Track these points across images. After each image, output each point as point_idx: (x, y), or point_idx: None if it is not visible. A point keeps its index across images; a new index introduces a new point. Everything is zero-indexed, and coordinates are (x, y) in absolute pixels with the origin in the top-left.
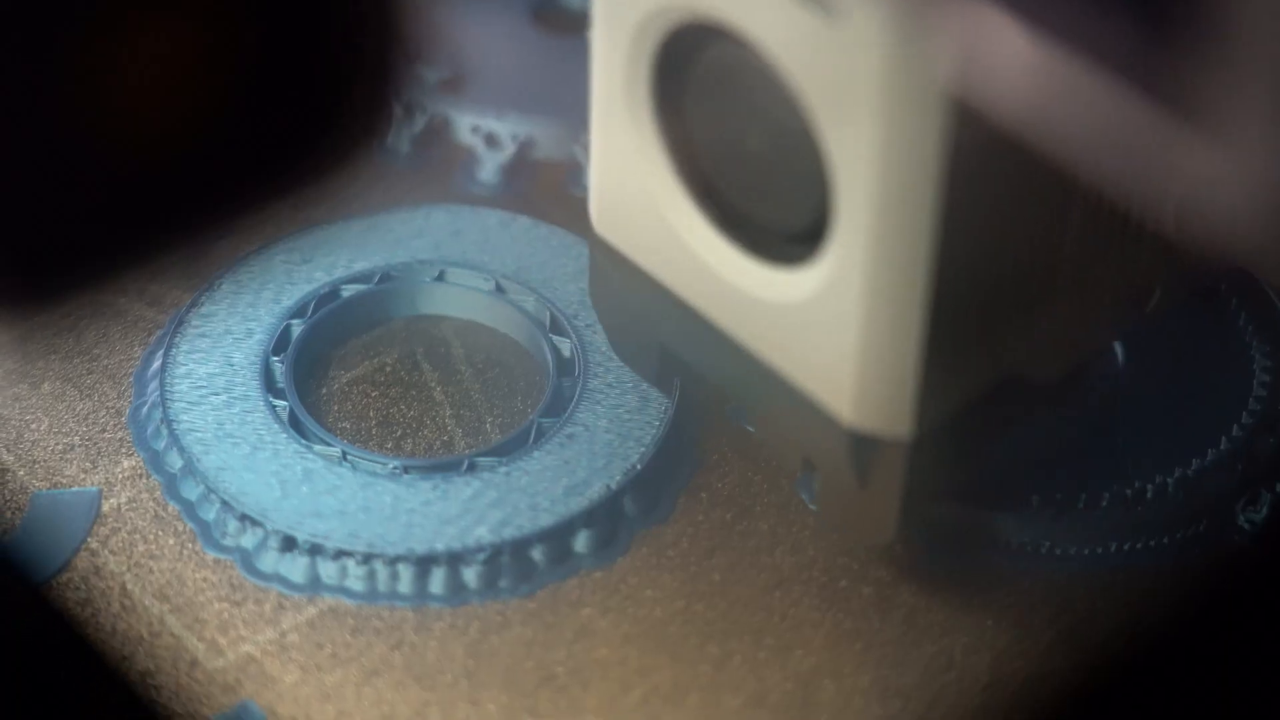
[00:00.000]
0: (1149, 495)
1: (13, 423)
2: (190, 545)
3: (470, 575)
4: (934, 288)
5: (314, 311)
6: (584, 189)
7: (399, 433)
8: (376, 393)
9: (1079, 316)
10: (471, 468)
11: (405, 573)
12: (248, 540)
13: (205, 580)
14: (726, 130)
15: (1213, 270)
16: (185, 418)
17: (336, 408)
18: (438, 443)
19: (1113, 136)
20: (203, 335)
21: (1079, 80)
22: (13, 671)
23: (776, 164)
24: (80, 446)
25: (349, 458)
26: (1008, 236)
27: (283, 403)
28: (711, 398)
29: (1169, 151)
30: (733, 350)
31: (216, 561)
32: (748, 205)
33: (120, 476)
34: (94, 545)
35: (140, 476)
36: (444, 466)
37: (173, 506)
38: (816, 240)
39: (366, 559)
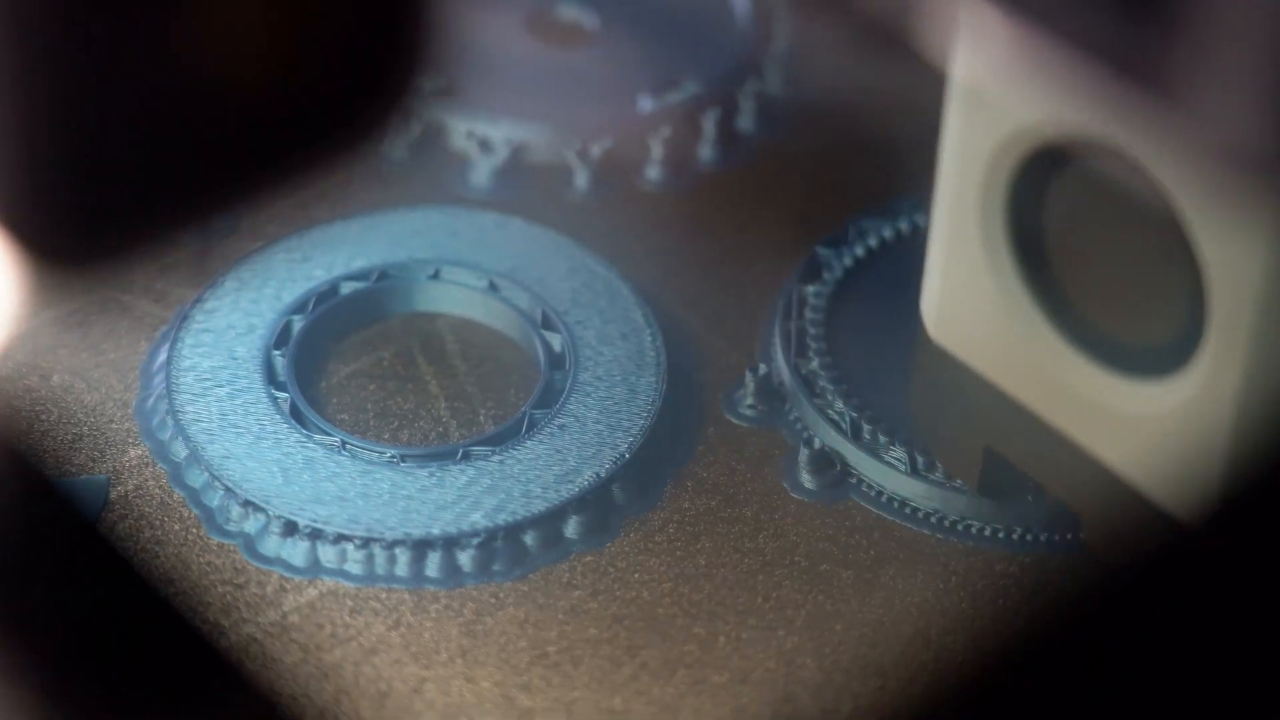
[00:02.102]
0: None
1: (24, 413)
2: (195, 531)
3: (465, 559)
4: None
5: (314, 308)
6: (574, 193)
7: (395, 424)
8: (374, 385)
9: None
10: (466, 456)
11: (402, 556)
12: (250, 525)
13: (209, 564)
14: (1085, 248)
15: None
16: (190, 409)
17: (336, 400)
18: (433, 433)
19: None
20: (206, 330)
21: None
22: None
23: (1141, 279)
24: (89, 437)
25: (348, 447)
26: None
27: (284, 395)
28: (702, 391)
29: None
30: (1076, 458)
31: (220, 546)
32: (1104, 318)
33: (127, 465)
34: (102, 531)
35: (147, 465)
36: (439, 455)
37: (178, 494)
38: (1181, 353)
39: (365, 543)
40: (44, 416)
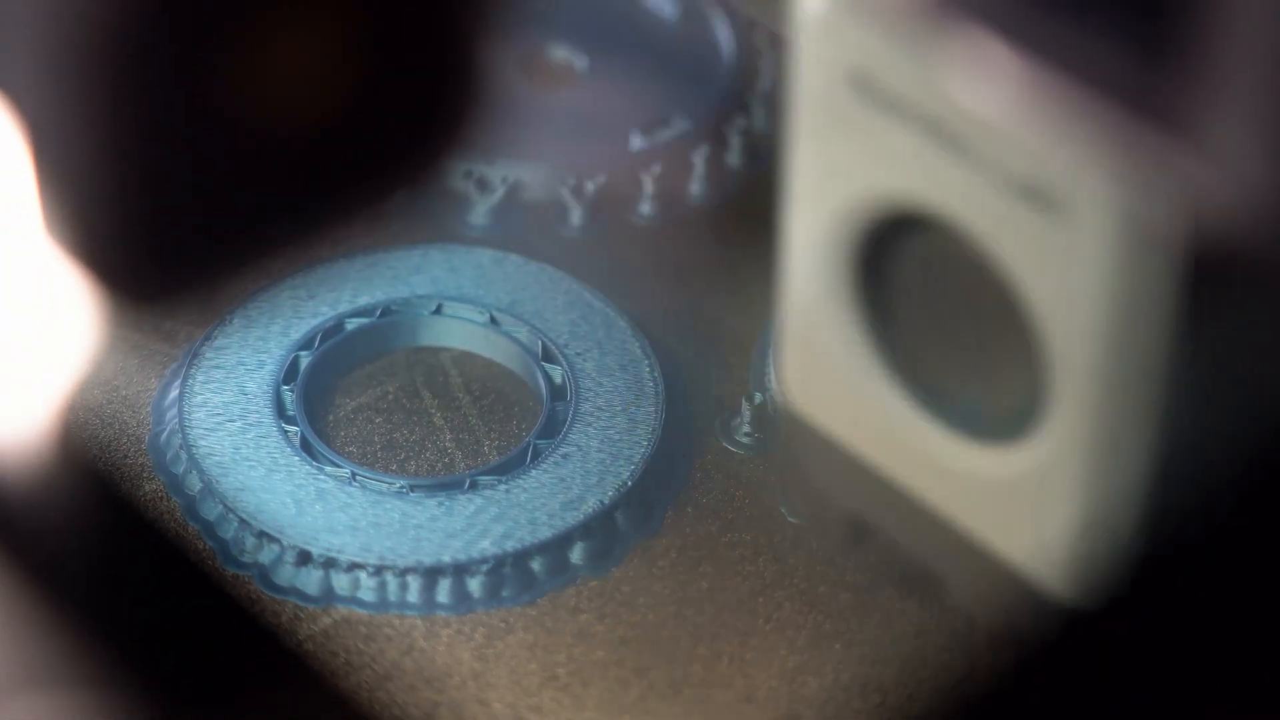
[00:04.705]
0: None
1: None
2: (210, 563)
3: (475, 585)
4: (1157, 459)
5: (320, 343)
6: (570, 229)
7: (403, 455)
8: (380, 418)
9: None
10: (473, 486)
11: (414, 584)
12: (265, 556)
13: (225, 596)
14: (931, 315)
15: None
16: (203, 443)
17: (344, 432)
18: (439, 464)
19: None
20: (217, 367)
21: None
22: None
23: (986, 346)
24: (104, 473)
25: (358, 478)
26: (1233, 393)
27: (294, 428)
28: (699, 420)
29: None
30: (931, 521)
31: (235, 577)
32: (952, 385)
33: (142, 499)
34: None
35: (161, 499)
36: (448, 485)
37: (193, 527)
38: (1027, 419)
39: (378, 571)
40: (62, 452)
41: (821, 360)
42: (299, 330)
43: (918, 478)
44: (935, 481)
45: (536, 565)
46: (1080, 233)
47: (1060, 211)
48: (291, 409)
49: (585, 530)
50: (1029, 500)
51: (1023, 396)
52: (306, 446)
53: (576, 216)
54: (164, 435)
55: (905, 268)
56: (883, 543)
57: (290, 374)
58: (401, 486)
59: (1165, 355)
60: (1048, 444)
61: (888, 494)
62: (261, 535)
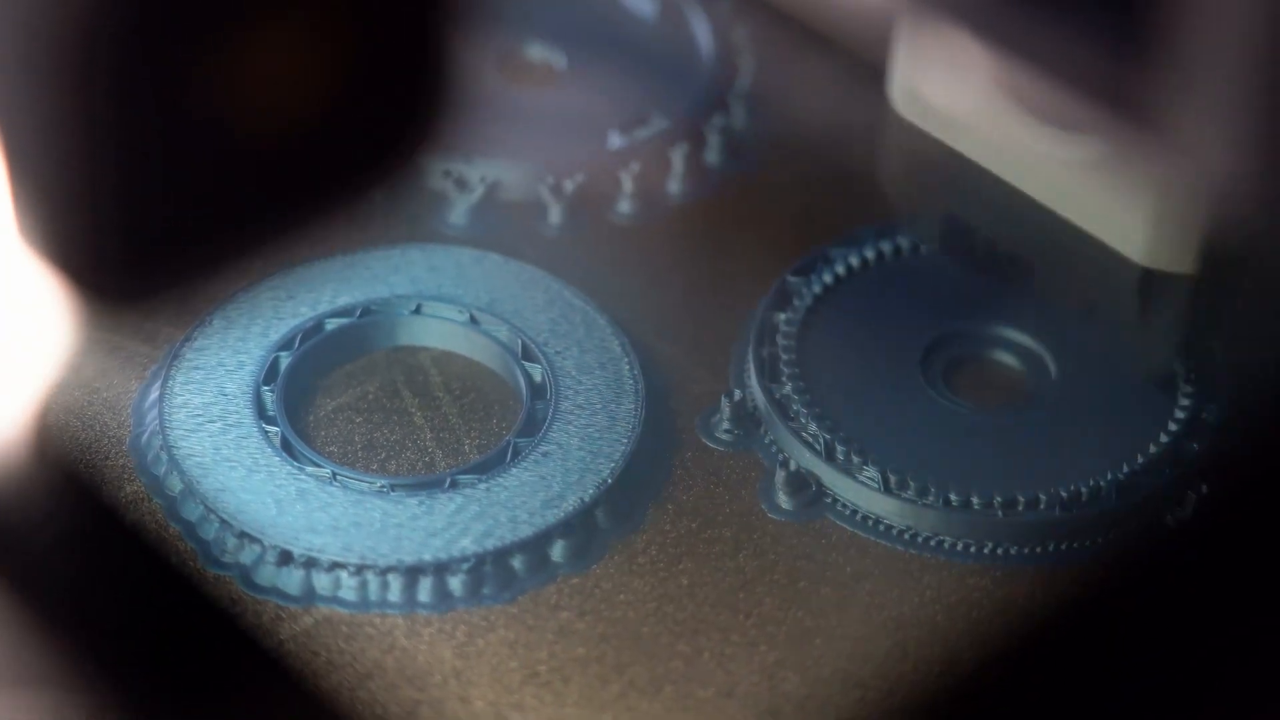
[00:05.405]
0: (1084, 497)
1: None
2: (192, 563)
3: (456, 584)
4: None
5: (300, 344)
6: (549, 228)
7: (383, 455)
8: (361, 418)
9: None
10: (454, 485)
11: (395, 582)
12: (246, 556)
13: (207, 596)
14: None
15: None
16: (184, 444)
17: (324, 432)
18: (420, 463)
19: None
20: (197, 368)
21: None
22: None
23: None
24: (85, 474)
25: (339, 478)
26: None
27: (274, 428)
28: (678, 416)
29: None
30: (1027, 208)
31: (217, 578)
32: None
33: (123, 501)
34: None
35: (143, 501)
36: (428, 484)
37: (174, 528)
38: None
39: (359, 571)
40: (40, 454)
41: (931, 68)
42: (279, 331)
43: (1016, 166)
44: (1031, 168)
45: (517, 563)
46: None
47: None
48: (272, 409)
49: (565, 528)
50: (1111, 178)
51: None
52: (287, 447)
53: (555, 215)
54: (145, 437)
55: None
56: (980, 239)
57: (270, 374)
58: (382, 486)
59: None
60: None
61: (989, 187)
62: (243, 536)
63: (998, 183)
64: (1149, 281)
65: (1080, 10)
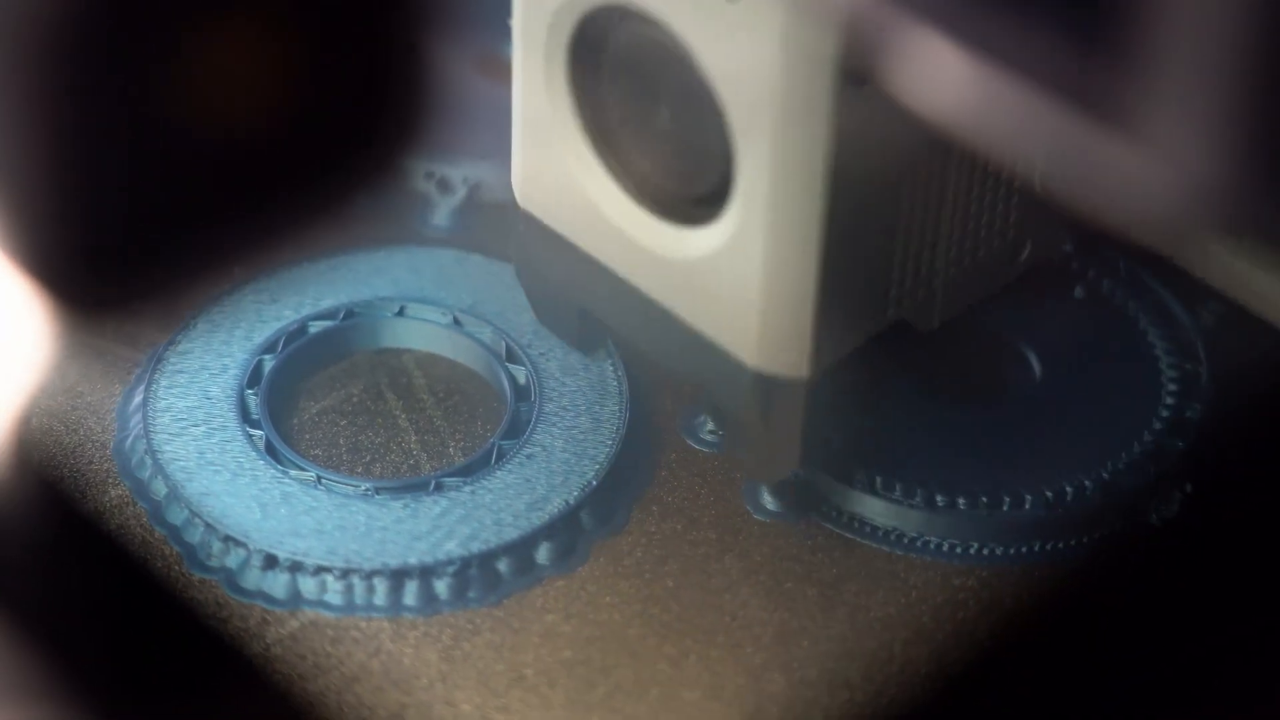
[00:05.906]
0: (1069, 497)
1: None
2: (177, 567)
3: (441, 587)
4: (826, 241)
5: (284, 347)
6: None
7: (368, 458)
8: (345, 421)
9: (959, 267)
10: (438, 487)
11: (380, 586)
12: (231, 560)
13: (192, 600)
14: (638, 104)
15: (1074, 228)
16: (168, 448)
17: (308, 436)
18: (404, 466)
19: (995, 117)
20: (180, 371)
21: (965, 62)
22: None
23: (684, 134)
24: (69, 479)
25: (323, 481)
26: (893, 196)
27: (259, 432)
28: (662, 418)
29: (1070, 143)
30: (646, 308)
31: (202, 582)
32: (658, 173)
33: (108, 505)
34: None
35: (127, 505)
36: (413, 487)
37: (159, 532)
38: (721, 202)
39: (344, 574)
40: (24, 460)
41: (546, 157)
42: (262, 334)
43: (631, 264)
44: (646, 266)
45: (502, 566)
46: (755, 14)
47: None
48: (256, 413)
49: (550, 530)
50: (720, 278)
51: (714, 182)
52: (271, 450)
53: None
54: (128, 441)
55: (615, 59)
56: (612, 337)
57: (254, 378)
58: (367, 489)
59: (831, 150)
60: (733, 224)
61: (609, 285)
62: (227, 539)
63: (618, 281)
64: (763, 386)
65: (1053, 10)
